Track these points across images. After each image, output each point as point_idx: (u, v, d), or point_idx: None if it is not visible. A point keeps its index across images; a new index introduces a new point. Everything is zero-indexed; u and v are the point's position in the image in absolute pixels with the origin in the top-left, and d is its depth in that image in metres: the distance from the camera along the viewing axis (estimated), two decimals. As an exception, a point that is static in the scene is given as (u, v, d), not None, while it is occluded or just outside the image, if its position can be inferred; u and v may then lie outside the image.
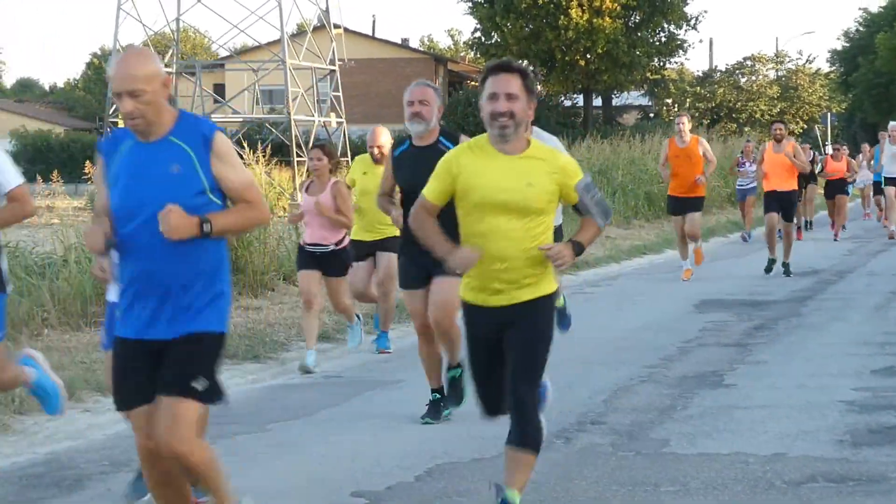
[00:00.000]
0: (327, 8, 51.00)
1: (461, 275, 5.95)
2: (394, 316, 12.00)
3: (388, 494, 6.79)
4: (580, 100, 58.24)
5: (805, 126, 63.83)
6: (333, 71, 50.01)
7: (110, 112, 46.99)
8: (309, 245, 11.00)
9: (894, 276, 17.78)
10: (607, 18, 51.82)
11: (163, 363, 5.23)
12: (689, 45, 56.21)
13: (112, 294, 6.20)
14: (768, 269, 17.74)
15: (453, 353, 8.45)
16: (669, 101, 62.49)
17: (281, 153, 38.41)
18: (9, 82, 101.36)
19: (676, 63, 60.40)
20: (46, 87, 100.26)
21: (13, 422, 8.59)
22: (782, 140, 17.64)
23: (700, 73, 67.56)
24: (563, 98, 57.42)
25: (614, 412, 8.85)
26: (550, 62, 53.58)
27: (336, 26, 51.12)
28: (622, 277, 18.49)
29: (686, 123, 17.34)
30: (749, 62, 65.59)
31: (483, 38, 55.04)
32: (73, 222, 19.13)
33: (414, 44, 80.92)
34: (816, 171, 27.73)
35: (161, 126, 5.21)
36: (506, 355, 5.86)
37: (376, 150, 11.18)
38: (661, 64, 57.25)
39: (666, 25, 54.73)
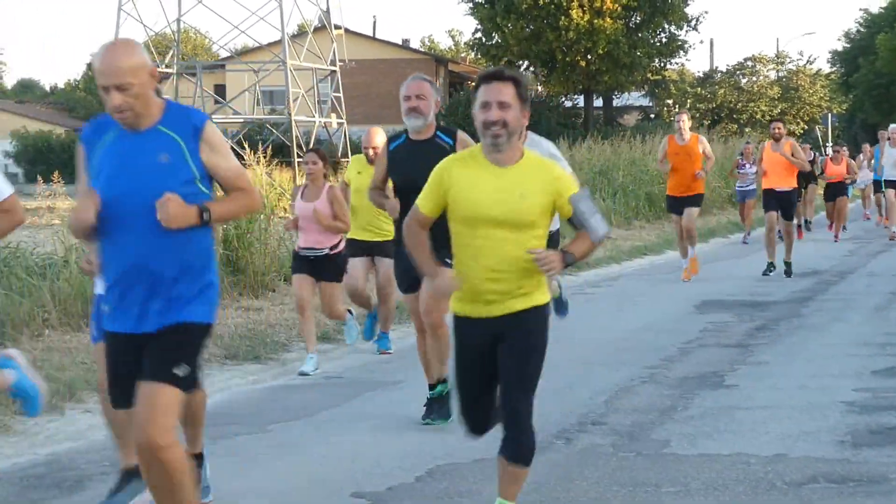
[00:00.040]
0: (328, 8, 51.02)
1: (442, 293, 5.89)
2: (394, 317, 12.01)
3: (389, 495, 6.79)
4: (581, 100, 58.22)
5: (806, 127, 63.84)
6: (334, 71, 50.02)
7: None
8: (303, 249, 10.95)
9: (895, 277, 17.78)
10: (608, 19, 51.81)
11: (148, 351, 5.21)
12: (690, 46, 56.17)
13: (99, 287, 6.16)
14: (766, 273, 17.58)
15: (442, 357, 8.36)
16: (670, 101, 62.48)
17: (282, 154, 38.44)
18: (9, 83, 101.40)
19: (677, 64, 60.43)
20: (47, 88, 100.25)
21: (14, 422, 8.59)
22: (781, 139, 17.60)
23: (701, 74, 67.59)
24: (563, 99, 57.40)
25: (615, 413, 8.85)
26: (551, 63, 53.57)
27: (337, 27, 51.14)
28: (623, 278, 18.49)
29: (686, 121, 17.25)
30: (750, 63, 65.59)
31: (484, 39, 55.02)
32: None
33: (415, 44, 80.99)
34: (816, 174, 27.70)
35: (149, 117, 5.16)
36: (499, 367, 5.75)
37: (371, 152, 11.17)
38: (662, 65, 57.24)
39: (667, 26, 54.71)
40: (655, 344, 11.91)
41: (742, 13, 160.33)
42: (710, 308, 14.57)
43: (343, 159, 40.68)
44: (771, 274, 17.50)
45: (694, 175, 17.05)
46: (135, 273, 5.17)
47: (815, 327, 13.03)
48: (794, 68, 65.82)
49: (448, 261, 5.83)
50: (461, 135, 8.31)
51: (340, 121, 48.02)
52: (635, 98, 63.95)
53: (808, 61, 66.60)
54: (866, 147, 32.42)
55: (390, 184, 8.50)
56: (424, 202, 5.77)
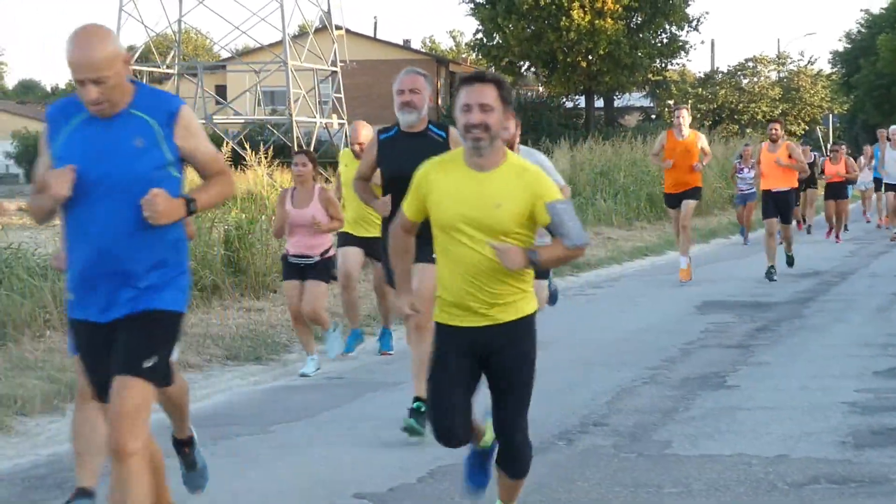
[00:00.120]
0: (329, 9, 51.05)
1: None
2: (395, 314, 12.00)
3: (391, 496, 6.79)
4: (582, 101, 58.24)
5: (807, 127, 63.85)
6: (335, 72, 50.06)
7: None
8: (294, 257, 10.83)
9: (896, 278, 17.78)
10: (609, 20, 51.82)
11: (117, 341, 5.08)
12: (691, 47, 56.22)
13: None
14: (768, 276, 17.42)
15: (423, 368, 8.24)
16: (671, 102, 62.43)
17: (283, 154, 38.39)
18: (10, 84, 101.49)
19: (678, 64, 60.47)
20: (48, 89, 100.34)
21: (15, 423, 8.59)
22: (778, 140, 17.43)
23: (702, 75, 67.59)
24: (564, 99, 57.40)
25: (616, 413, 8.85)
26: (552, 63, 53.58)
27: (338, 27, 51.19)
28: (624, 279, 18.48)
29: (685, 116, 17.00)
30: (751, 63, 65.61)
31: (485, 40, 55.04)
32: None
33: (415, 45, 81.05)
34: (816, 175, 27.63)
35: (122, 102, 5.04)
36: (489, 385, 5.67)
37: (357, 147, 11.15)
38: (663, 65, 57.27)
39: (668, 27, 54.73)
40: (656, 345, 11.91)
41: (743, 14, 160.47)
42: (712, 309, 14.57)
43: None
44: (774, 279, 17.31)
45: (691, 169, 16.89)
46: (102, 260, 5.04)
47: (816, 328, 13.02)
48: (796, 69, 65.84)
49: (433, 257, 5.75)
50: (453, 130, 8.21)
51: (341, 121, 48.05)
52: (636, 99, 63.97)
53: (809, 62, 66.72)
54: (867, 149, 32.26)
55: (377, 178, 8.35)
56: (408, 207, 5.69)
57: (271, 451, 7.87)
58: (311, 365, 10.74)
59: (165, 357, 5.13)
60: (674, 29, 55.05)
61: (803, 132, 63.17)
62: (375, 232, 10.76)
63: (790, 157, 17.31)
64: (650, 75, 56.55)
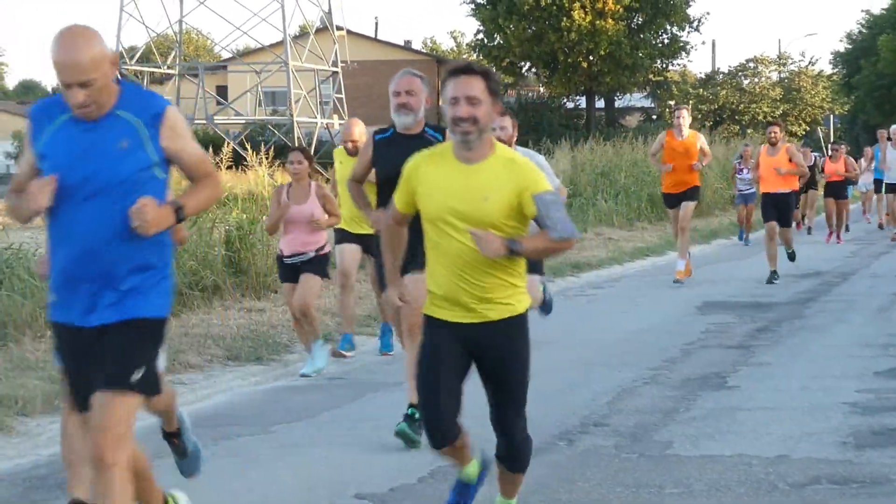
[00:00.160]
0: (330, 10, 51.06)
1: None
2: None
3: (391, 496, 6.79)
4: (583, 102, 58.24)
5: (808, 128, 63.85)
6: (336, 73, 50.08)
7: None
8: (289, 257, 10.75)
9: (897, 278, 17.77)
10: (610, 20, 51.83)
11: (100, 351, 4.97)
12: (692, 47, 56.35)
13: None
14: (770, 281, 17.24)
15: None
16: (672, 102, 62.44)
17: (283, 155, 38.27)
18: (11, 84, 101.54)
19: (679, 65, 60.44)
20: (49, 89, 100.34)
21: (16, 423, 8.59)
22: (777, 143, 17.24)
23: (703, 75, 67.59)
24: (565, 100, 57.41)
25: (617, 414, 8.85)
26: (553, 64, 53.59)
27: (338, 28, 51.21)
28: (625, 279, 18.48)
29: (686, 117, 16.93)
30: (752, 64, 65.61)
31: (486, 40, 55.04)
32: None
33: (416, 45, 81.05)
34: (817, 175, 27.59)
35: (108, 104, 4.95)
36: (484, 384, 5.65)
37: (350, 145, 11.13)
38: (664, 66, 57.27)
39: (668, 27, 54.74)
40: (657, 345, 11.91)
41: (744, 14, 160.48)
42: (712, 309, 14.57)
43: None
44: (776, 282, 17.25)
45: (690, 169, 16.83)
46: (85, 261, 4.94)
47: (817, 328, 13.02)
48: (796, 69, 65.84)
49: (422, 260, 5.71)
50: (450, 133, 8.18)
51: (342, 122, 47.99)
52: (637, 99, 63.98)
53: (809, 62, 66.78)
54: (867, 150, 32.20)
55: (371, 180, 8.29)
56: (398, 198, 5.67)
57: (272, 452, 7.87)
58: (311, 366, 10.73)
59: (153, 366, 5.05)
60: (675, 29, 55.05)
61: (804, 133, 63.17)
62: (371, 229, 10.75)
63: (790, 160, 17.15)
64: (651, 76, 56.55)
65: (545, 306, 11.82)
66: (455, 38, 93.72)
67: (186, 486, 6.76)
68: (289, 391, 10.14)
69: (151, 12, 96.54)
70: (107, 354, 4.96)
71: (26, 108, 78.60)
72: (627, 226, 26.57)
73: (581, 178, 29.82)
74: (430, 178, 5.50)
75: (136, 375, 4.95)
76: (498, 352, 5.55)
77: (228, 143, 38.26)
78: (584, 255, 20.65)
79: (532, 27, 52.76)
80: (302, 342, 11.06)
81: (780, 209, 17.20)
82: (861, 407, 8.91)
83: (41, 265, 5.86)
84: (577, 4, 51.66)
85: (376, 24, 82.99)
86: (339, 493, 6.84)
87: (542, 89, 58.59)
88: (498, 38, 54.12)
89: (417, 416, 7.73)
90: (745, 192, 25.12)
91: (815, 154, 31.87)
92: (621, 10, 52.23)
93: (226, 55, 63.55)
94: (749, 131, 58.46)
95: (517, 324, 5.56)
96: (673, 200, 17.33)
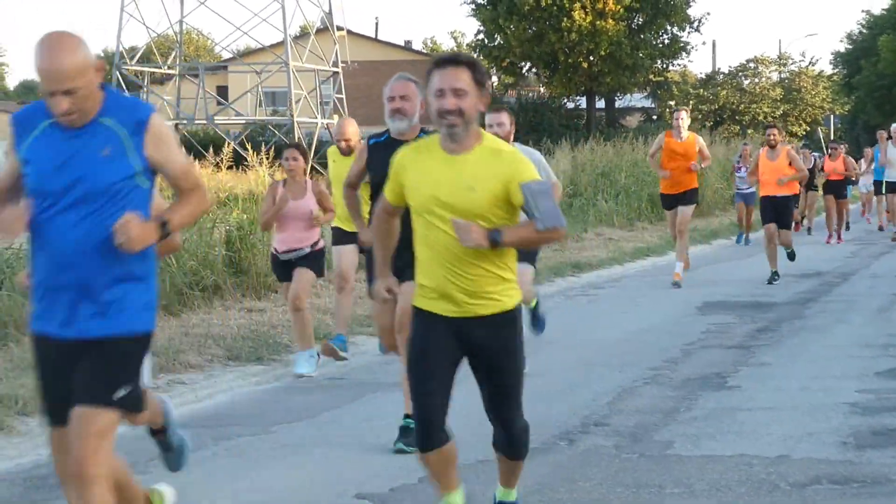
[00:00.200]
0: (330, 10, 51.07)
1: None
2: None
3: (392, 496, 6.79)
4: (583, 102, 58.21)
5: (808, 128, 63.84)
6: (336, 73, 50.09)
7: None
8: (284, 253, 10.68)
9: (897, 279, 17.77)
10: (610, 21, 51.81)
11: (81, 366, 4.83)
12: (692, 48, 56.36)
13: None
14: (771, 282, 17.20)
15: None
16: (672, 103, 62.46)
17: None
18: (11, 84, 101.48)
19: (679, 65, 60.38)
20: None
21: (17, 423, 8.59)
22: (776, 146, 17.14)
23: (703, 76, 67.57)
24: (565, 100, 57.37)
25: (618, 414, 8.85)
26: (553, 64, 53.57)
27: (339, 28, 51.21)
28: (625, 279, 18.48)
29: (685, 119, 16.87)
30: (752, 64, 65.58)
31: (486, 41, 55.01)
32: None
33: (417, 46, 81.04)
34: (816, 174, 27.57)
35: (92, 111, 4.83)
36: (478, 382, 5.60)
37: (343, 144, 11.06)
38: (665, 66, 57.23)
39: (669, 27, 54.70)
40: (658, 345, 11.91)
41: (744, 14, 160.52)
42: (713, 309, 14.57)
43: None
44: (777, 282, 17.22)
45: (688, 170, 16.75)
46: (65, 270, 4.82)
47: (817, 329, 13.02)
48: (797, 70, 65.80)
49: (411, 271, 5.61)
50: None
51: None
52: (637, 99, 63.95)
53: (810, 63, 66.69)
54: (867, 151, 32.19)
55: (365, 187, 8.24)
56: (388, 190, 5.61)
57: (272, 452, 7.87)
58: (312, 364, 10.74)
59: (137, 383, 4.93)
60: (675, 30, 55.01)
61: (804, 133, 63.15)
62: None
63: (790, 164, 17.07)
64: (651, 76, 56.51)
65: (538, 323, 11.43)
66: (455, 39, 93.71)
67: (187, 486, 6.77)
68: (289, 391, 10.14)
69: (152, 12, 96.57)
70: (89, 369, 4.83)
71: (27, 108, 78.78)
72: (628, 226, 26.57)
73: (581, 179, 29.82)
74: (417, 169, 5.43)
75: (120, 393, 4.84)
76: (489, 348, 5.47)
77: (229, 144, 38.29)
78: (584, 255, 20.67)
79: (532, 27, 52.74)
80: (295, 339, 10.91)
81: (779, 212, 17.13)
82: (861, 407, 8.91)
83: (20, 280, 5.58)
84: (577, 5, 51.65)
85: (377, 24, 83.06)
86: (340, 493, 6.84)
87: (542, 89, 58.54)
88: (498, 39, 54.09)
89: (413, 426, 7.66)
90: (745, 191, 25.04)
91: (815, 154, 31.84)
92: (622, 10, 52.21)
93: (226, 55, 63.59)
94: (749, 131, 58.43)
95: (507, 320, 5.48)
96: (670, 201, 17.28)
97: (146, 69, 51.01)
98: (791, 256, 18.00)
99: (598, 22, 51.67)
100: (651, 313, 14.35)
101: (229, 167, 32.55)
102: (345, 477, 7.18)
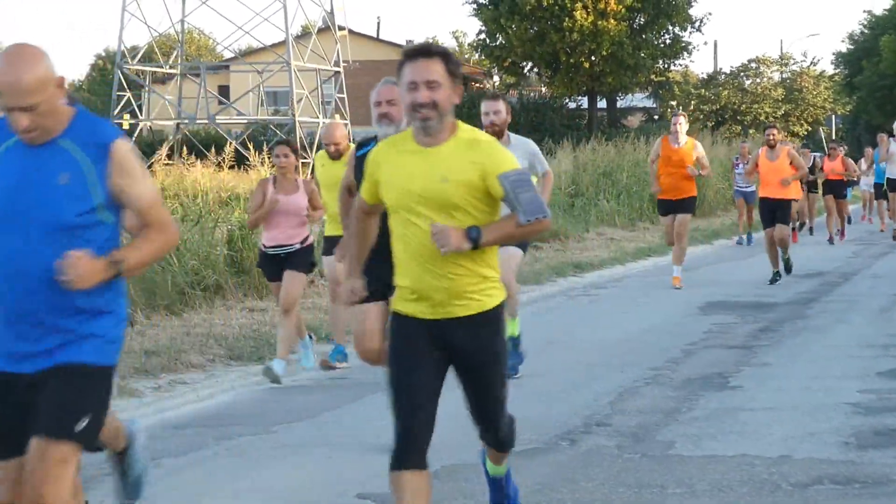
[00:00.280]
0: (332, 10, 51.07)
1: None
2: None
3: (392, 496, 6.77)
4: (585, 102, 58.24)
5: (810, 128, 63.83)
6: (338, 72, 50.09)
7: (115, 113, 47.04)
8: (272, 248, 10.58)
9: (899, 279, 17.76)
10: (612, 20, 51.83)
11: (39, 399, 4.52)
12: (694, 48, 56.40)
13: None
14: (772, 282, 17.10)
15: None
16: (674, 103, 62.49)
17: (285, 155, 38.40)
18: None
19: (681, 65, 60.36)
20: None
21: None
22: (776, 146, 17.00)
23: (704, 76, 67.55)
24: (567, 100, 57.38)
25: (619, 414, 8.84)
26: (555, 64, 53.59)
27: (340, 28, 51.21)
28: (626, 280, 18.48)
29: (683, 124, 16.58)
30: (753, 64, 65.55)
31: (488, 40, 55.04)
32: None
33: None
34: (816, 173, 27.57)
35: (54, 130, 4.51)
36: (461, 387, 5.40)
37: (332, 148, 10.96)
38: (666, 66, 57.25)
39: (670, 28, 54.73)
40: (659, 345, 11.90)
41: (746, 15, 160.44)
42: (714, 310, 14.56)
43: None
44: (778, 282, 17.15)
45: (687, 176, 16.46)
46: (19, 301, 4.49)
47: (818, 329, 13.02)
48: (798, 70, 65.78)
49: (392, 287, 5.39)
50: None
51: (344, 121, 48.02)
52: (639, 99, 63.95)
53: (811, 63, 66.60)
54: (868, 151, 32.15)
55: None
56: (364, 189, 5.41)
57: (274, 451, 7.87)
58: (308, 359, 10.78)
59: (98, 416, 4.60)
60: (677, 30, 55.04)
61: (806, 133, 63.14)
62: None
63: (791, 164, 16.97)
64: (653, 76, 56.53)
65: (516, 356, 10.07)
66: (457, 39, 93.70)
67: (187, 485, 6.77)
68: (290, 391, 10.14)
69: (153, 12, 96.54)
70: (48, 402, 4.52)
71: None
72: (629, 226, 26.57)
73: (583, 179, 29.81)
74: (391, 163, 5.20)
75: (81, 425, 4.52)
76: (470, 350, 5.23)
77: (230, 143, 38.33)
78: (586, 255, 20.67)
79: (534, 27, 52.75)
80: (278, 339, 10.67)
81: (777, 214, 17.01)
82: (863, 407, 8.91)
83: None
84: (579, 5, 51.67)
85: (378, 23, 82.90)
86: (341, 493, 6.84)
87: (544, 89, 58.57)
88: (500, 39, 54.10)
89: None
90: (745, 189, 24.92)
91: (816, 154, 31.83)
92: (623, 10, 52.23)
93: (228, 55, 63.57)
94: (751, 131, 58.41)
95: (487, 319, 5.23)
96: (667, 206, 16.94)
97: (148, 69, 51.03)
98: (788, 268, 17.55)
99: (599, 22, 51.69)
100: (653, 313, 14.35)
101: (231, 167, 32.57)
102: (345, 477, 7.17)
